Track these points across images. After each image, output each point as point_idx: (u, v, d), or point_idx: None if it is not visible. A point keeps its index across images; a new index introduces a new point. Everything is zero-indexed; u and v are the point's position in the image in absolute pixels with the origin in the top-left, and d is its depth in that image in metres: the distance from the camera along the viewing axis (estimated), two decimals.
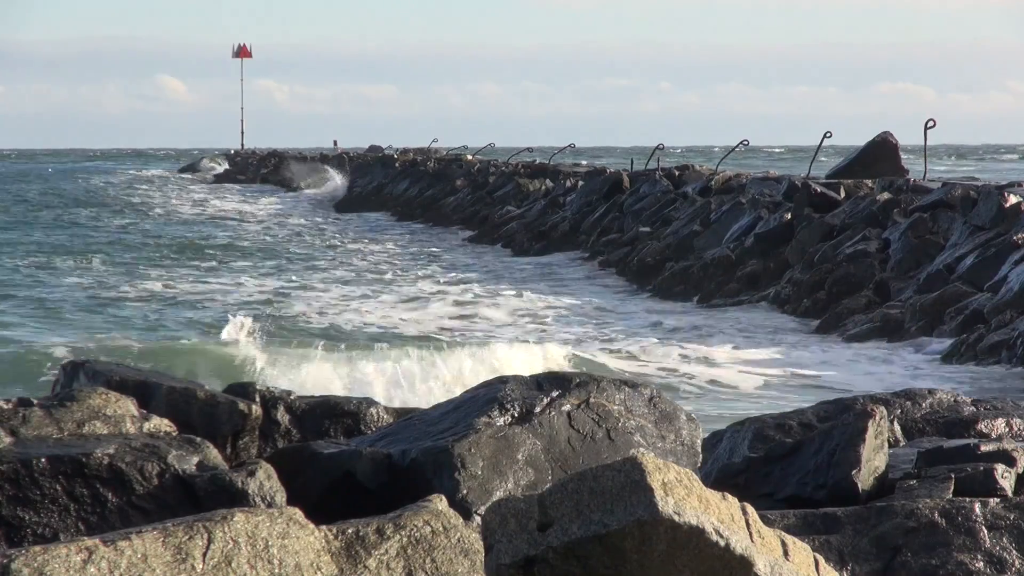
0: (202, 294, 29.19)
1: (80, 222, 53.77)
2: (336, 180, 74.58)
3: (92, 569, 4.87)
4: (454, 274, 33.55)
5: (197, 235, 46.85)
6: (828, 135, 34.95)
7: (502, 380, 8.03)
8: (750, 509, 5.40)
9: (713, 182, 35.50)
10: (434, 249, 40.96)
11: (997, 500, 7.13)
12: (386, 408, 8.93)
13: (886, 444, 7.70)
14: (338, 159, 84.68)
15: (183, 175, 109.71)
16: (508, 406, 7.66)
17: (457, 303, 27.79)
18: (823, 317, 23.98)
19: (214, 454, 6.93)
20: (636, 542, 5.12)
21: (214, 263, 36.31)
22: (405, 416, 8.53)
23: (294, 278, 32.48)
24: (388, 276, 33.33)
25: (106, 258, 37.76)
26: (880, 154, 31.93)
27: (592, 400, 7.80)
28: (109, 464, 6.66)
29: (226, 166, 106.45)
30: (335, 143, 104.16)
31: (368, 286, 30.66)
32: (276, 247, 41.42)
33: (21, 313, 25.47)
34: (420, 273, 33.94)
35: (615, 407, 7.82)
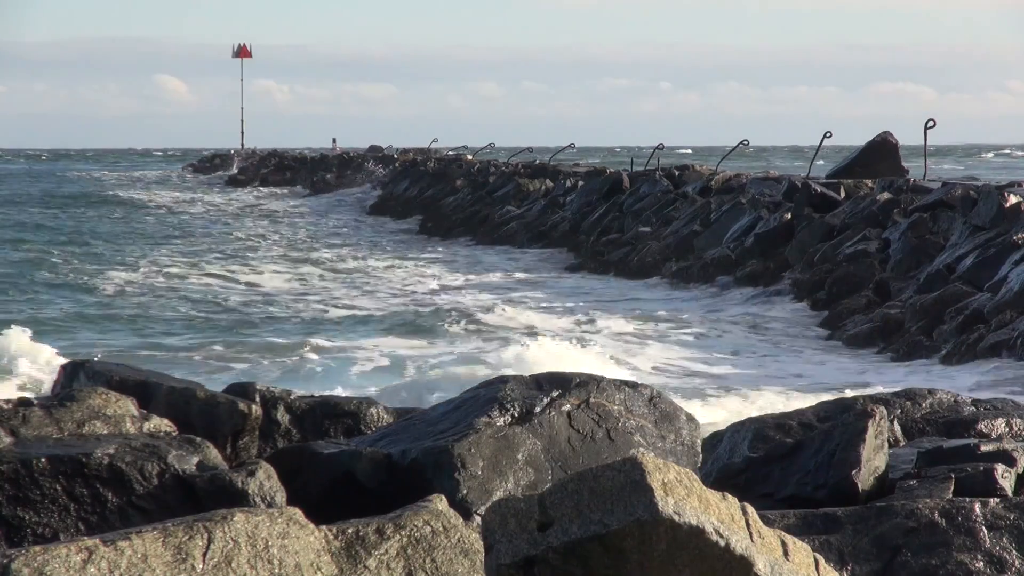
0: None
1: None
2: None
3: (92, 569, 4.87)
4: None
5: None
6: (828, 135, 34.97)
7: (502, 380, 8.03)
8: (750, 509, 5.40)
9: (713, 182, 35.52)
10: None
11: (997, 500, 7.13)
12: (386, 408, 8.94)
13: (886, 444, 7.70)
14: (338, 159, 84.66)
15: (198, 175, 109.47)
16: (508, 406, 7.66)
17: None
18: (823, 317, 23.98)
19: (214, 454, 6.92)
20: (636, 542, 5.12)
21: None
22: (405, 416, 8.53)
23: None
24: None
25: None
26: (880, 154, 31.95)
27: (592, 400, 7.80)
28: (109, 464, 6.66)
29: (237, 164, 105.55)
30: (334, 142, 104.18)
31: None
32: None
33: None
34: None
35: (615, 407, 7.82)
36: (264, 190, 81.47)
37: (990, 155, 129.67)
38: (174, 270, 35.23)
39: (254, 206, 66.22)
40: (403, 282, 32.37)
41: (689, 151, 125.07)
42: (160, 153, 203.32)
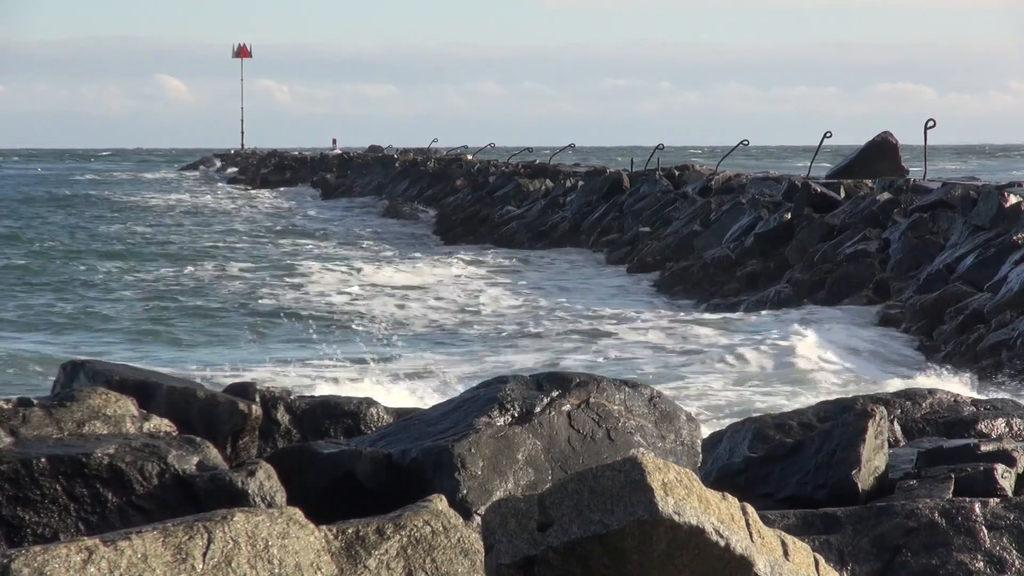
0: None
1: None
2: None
3: (92, 569, 4.87)
4: None
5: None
6: (828, 135, 34.97)
7: (502, 380, 8.03)
8: (750, 509, 5.40)
9: (713, 182, 35.53)
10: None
11: (997, 500, 7.13)
12: (386, 408, 8.94)
13: (886, 444, 7.70)
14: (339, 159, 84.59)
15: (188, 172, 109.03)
16: (508, 406, 7.66)
17: None
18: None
19: (214, 454, 6.92)
20: (636, 542, 5.12)
21: None
22: (405, 416, 8.53)
23: None
24: None
25: None
26: (880, 154, 31.96)
27: (592, 400, 7.80)
28: (109, 464, 6.66)
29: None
30: (334, 142, 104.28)
31: None
32: None
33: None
34: None
35: (615, 407, 7.82)
36: (270, 193, 78.53)
37: (996, 155, 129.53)
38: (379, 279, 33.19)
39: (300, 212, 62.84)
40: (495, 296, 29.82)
41: (699, 151, 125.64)
42: (164, 153, 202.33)
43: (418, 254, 39.75)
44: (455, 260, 37.04)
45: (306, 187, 78.82)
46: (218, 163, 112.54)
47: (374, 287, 31.91)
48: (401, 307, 28.28)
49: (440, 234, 45.96)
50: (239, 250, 42.76)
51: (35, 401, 7.17)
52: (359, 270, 35.44)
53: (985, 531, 6.95)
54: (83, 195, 77.67)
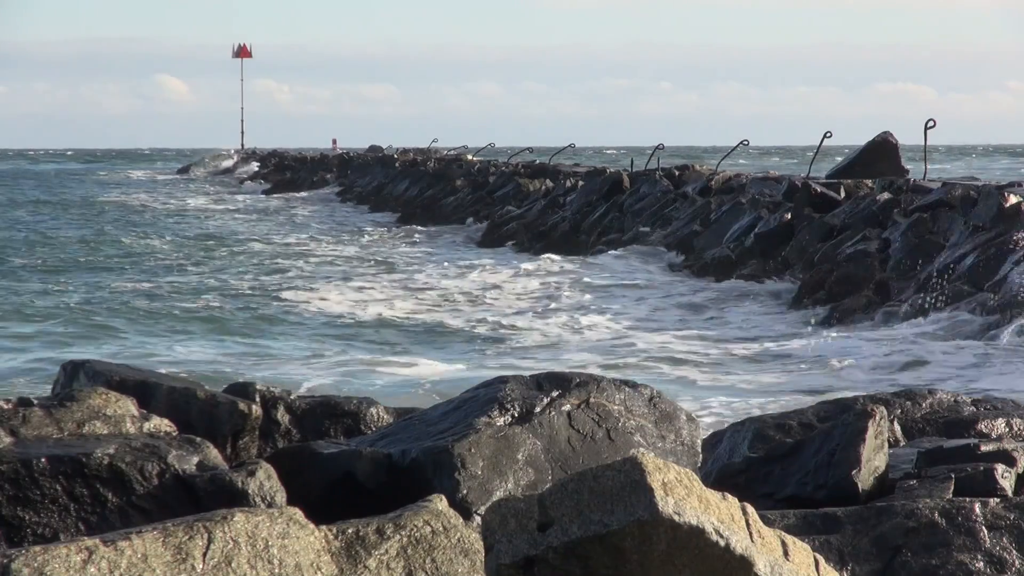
0: None
1: None
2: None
3: (92, 569, 4.87)
4: None
5: None
6: (828, 135, 34.96)
7: (502, 380, 8.03)
8: (750, 509, 5.40)
9: (713, 182, 35.53)
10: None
11: (997, 500, 7.13)
12: (386, 408, 8.94)
13: (886, 444, 7.70)
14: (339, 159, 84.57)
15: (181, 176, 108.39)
16: (508, 406, 7.66)
17: None
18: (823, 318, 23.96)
19: (214, 454, 6.92)
20: (636, 542, 5.13)
21: None
22: (405, 416, 8.53)
23: None
24: None
25: None
26: (880, 154, 31.95)
27: (592, 400, 7.80)
28: (109, 464, 6.66)
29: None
30: (334, 142, 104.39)
31: None
32: None
33: None
34: None
35: (615, 407, 7.82)
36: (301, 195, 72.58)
37: (991, 155, 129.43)
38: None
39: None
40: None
41: (698, 150, 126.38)
42: (165, 153, 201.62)
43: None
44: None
45: (330, 191, 73.06)
46: (221, 164, 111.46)
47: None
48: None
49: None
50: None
51: (35, 401, 7.17)
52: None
53: (985, 531, 6.95)
54: (90, 196, 77.26)
